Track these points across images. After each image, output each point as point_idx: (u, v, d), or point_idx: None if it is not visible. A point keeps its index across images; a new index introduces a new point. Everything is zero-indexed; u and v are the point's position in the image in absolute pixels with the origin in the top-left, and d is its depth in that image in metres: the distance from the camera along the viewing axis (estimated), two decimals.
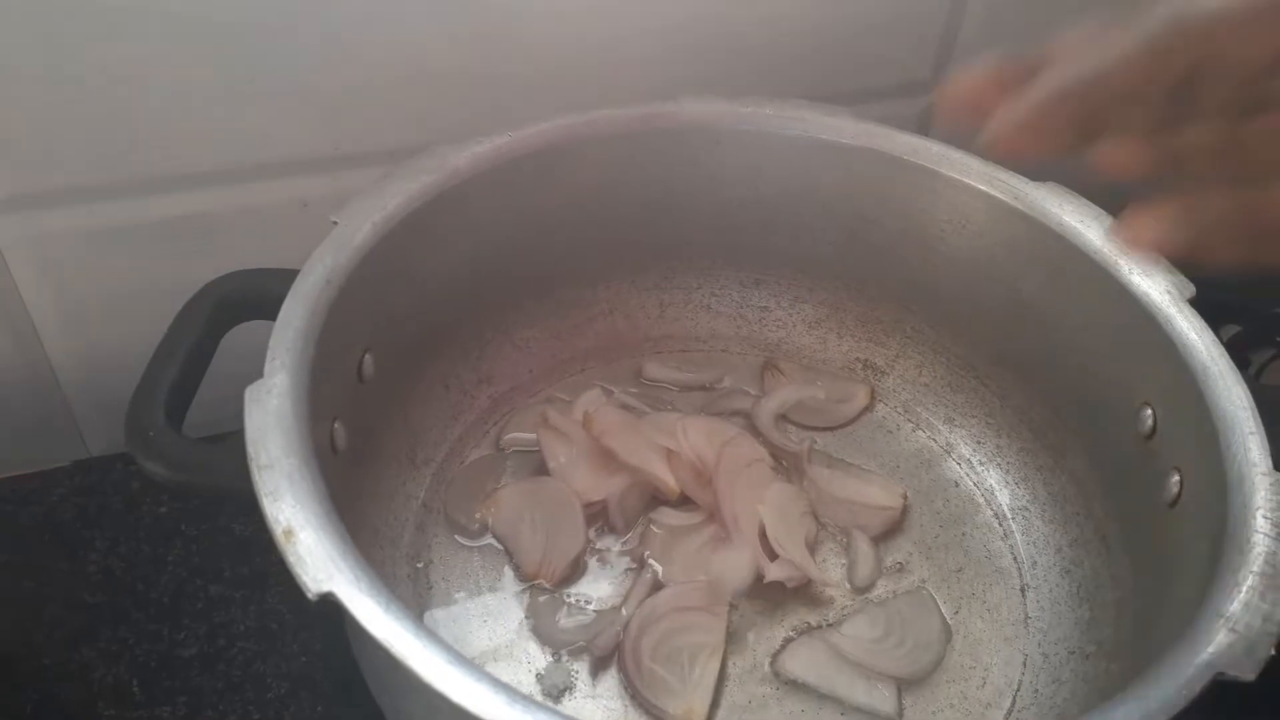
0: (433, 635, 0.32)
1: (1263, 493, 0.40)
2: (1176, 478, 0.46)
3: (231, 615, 0.54)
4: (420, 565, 0.52)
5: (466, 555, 0.53)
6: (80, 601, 0.54)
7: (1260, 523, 0.39)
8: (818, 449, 0.59)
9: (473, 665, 0.32)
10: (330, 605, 0.34)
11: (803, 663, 0.50)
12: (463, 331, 0.57)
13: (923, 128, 0.70)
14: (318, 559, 0.34)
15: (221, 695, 0.51)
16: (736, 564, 0.51)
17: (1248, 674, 0.34)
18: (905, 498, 0.57)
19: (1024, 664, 0.51)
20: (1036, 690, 0.50)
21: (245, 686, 0.52)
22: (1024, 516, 0.56)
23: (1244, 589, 0.37)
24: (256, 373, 0.40)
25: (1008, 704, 0.49)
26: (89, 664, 0.52)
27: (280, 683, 0.52)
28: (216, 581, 0.56)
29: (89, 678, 0.52)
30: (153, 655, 0.53)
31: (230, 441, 0.39)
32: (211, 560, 0.57)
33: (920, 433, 0.61)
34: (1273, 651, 0.35)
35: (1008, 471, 0.58)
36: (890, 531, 0.56)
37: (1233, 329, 0.71)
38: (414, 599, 0.50)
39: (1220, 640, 0.35)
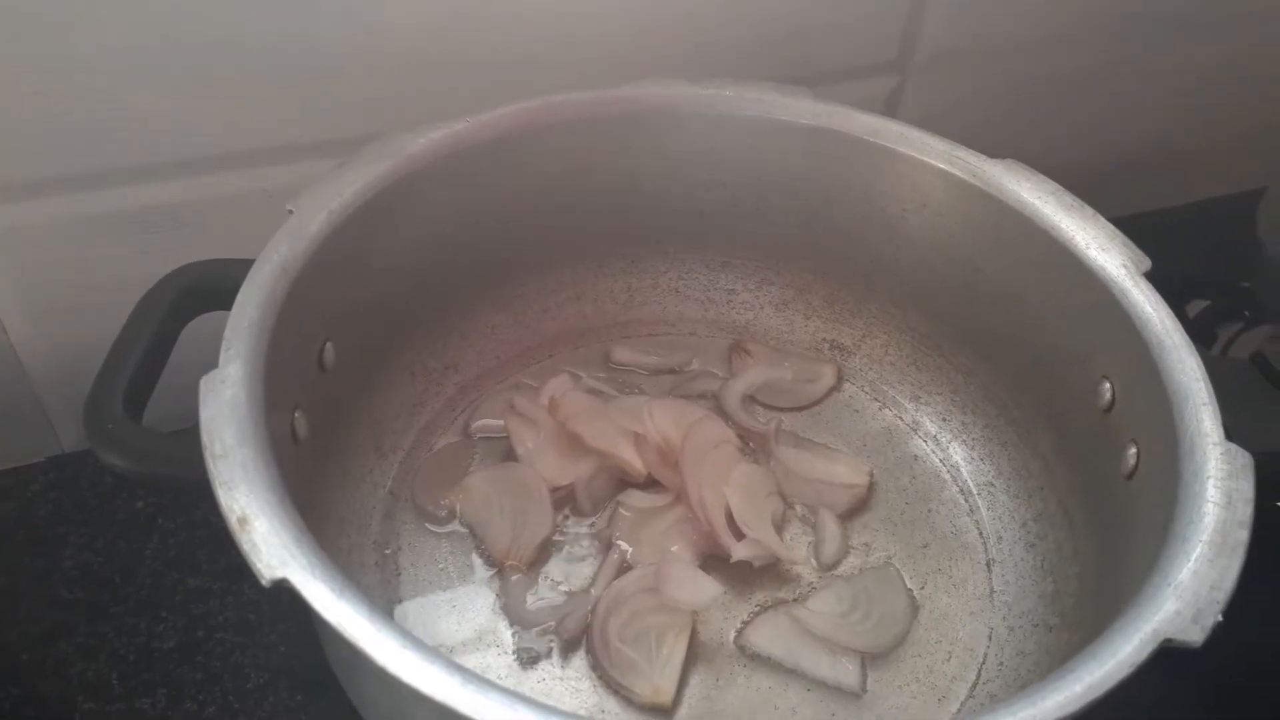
0: (387, 619, 0.33)
1: (1214, 462, 0.40)
2: (1134, 450, 0.46)
3: (209, 607, 0.54)
4: (388, 552, 0.52)
5: (435, 542, 0.53)
6: (57, 597, 0.55)
7: (1211, 492, 0.39)
8: (785, 429, 0.59)
9: (428, 647, 0.32)
10: (286, 591, 0.34)
11: (767, 637, 0.50)
12: (427, 319, 0.57)
13: (890, 109, 0.70)
14: (272, 546, 0.34)
15: (201, 686, 0.52)
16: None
17: (1195, 639, 0.35)
18: (871, 475, 0.57)
19: (989, 637, 0.51)
20: (1002, 663, 0.50)
21: (224, 677, 0.52)
22: (989, 492, 0.57)
23: (1193, 558, 0.37)
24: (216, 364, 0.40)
25: (973, 676, 0.50)
26: (67, 659, 0.52)
27: (259, 673, 0.52)
28: (194, 574, 0.56)
29: (67, 673, 0.52)
30: (131, 648, 0.53)
31: (191, 432, 0.39)
32: (189, 553, 0.57)
33: (887, 411, 0.61)
34: (1220, 618, 0.35)
35: (973, 448, 0.59)
36: (857, 509, 0.56)
37: (1201, 304, 0.71)
38: (381, 586, 0.51)
39: (1168, 608, 0.35)
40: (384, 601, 0.50)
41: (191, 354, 0.46)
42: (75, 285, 0.57)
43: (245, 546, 0.34)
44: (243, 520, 0.35)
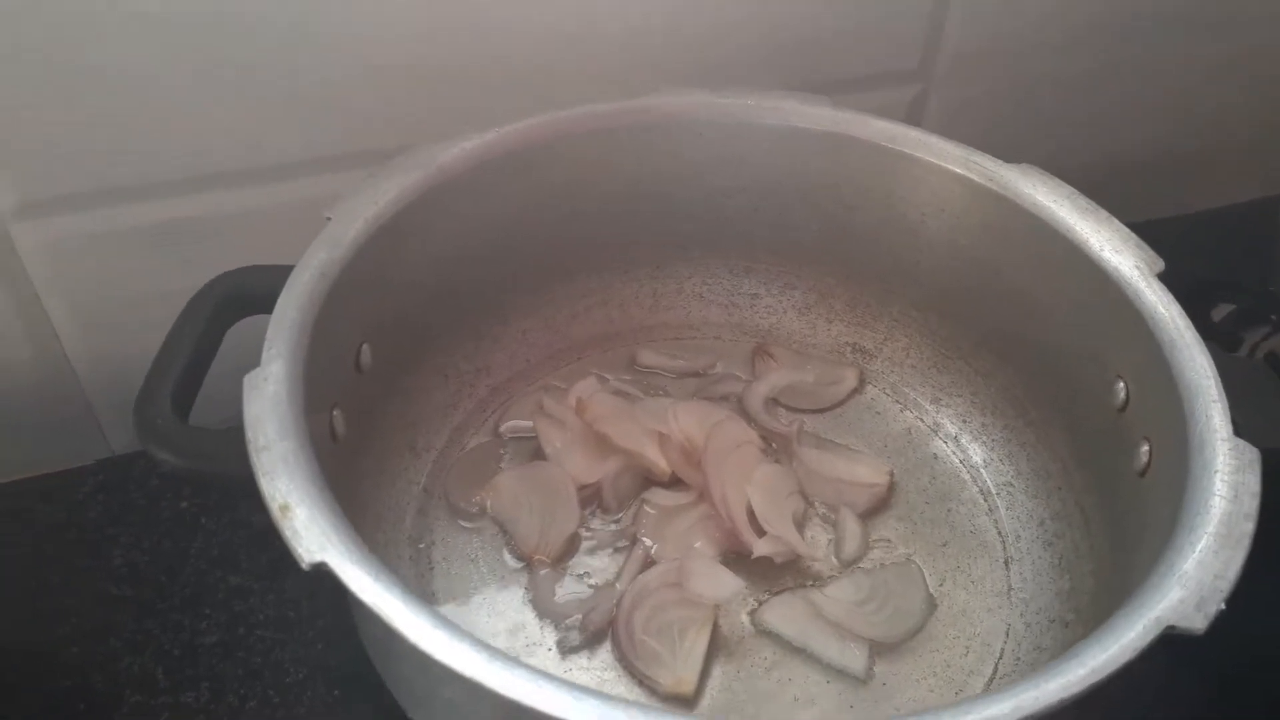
0: (420, 601, 0.34)
1: (1222, 457, 0.41)
2: (1146, 447, 0.47)
3: (250, 605, 0.56)
4: (422, 546, 0.54)
5: (466, 538, 0.55)
6: (106, 594, 0.56)
7: (1218, 486, 0.40)
8: (807, 430, 0.60)
9: (458, 628, 0.34)
10: (325, 576, 0.36)
11: (781, 616, 0.51)
12: (459, 323, 0.58)
13: (913, 116, 0.71)
14: (311, 532, 0.36)
15: (242, 681, 0.53)
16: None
17: (1198, 626, 0.36)
18: (891, 475, 0.58)
19: (1006, 633, 0.52)
20: (1018, 658, 0.51)
21: (264, 673, 0.53)
22: (1008, 492, 0.58)
23: (1198, 548, 0.38)
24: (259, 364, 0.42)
25: (990, 671, 0.51)
26: (115, 654, 0.54)
27: (298, 668, 0.53)
28: (236, 572, 0.57)
29: (116, 667, 0.53)
30: (176, 644, 0.54)
31: (235, 430, 0.40)
32: (231, 552, 0.58)
33: (908, 413, 0.62)
34: (1222, 606, 0.36)
35: (992, 449, 0.59)
36: (877, 508, 0.57)
37: (1226, 308, 0.72)
38: (416, 578, 0.52)
39: (1172, 596, 0.36)
40: (418, 593, 0.51)
41: (230, 359, 0.48)
42: (122, 295, 0.58)
43: (287, 533, 0.36)
44: (284, 508, 0.36)
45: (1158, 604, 0.36)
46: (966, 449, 0.60)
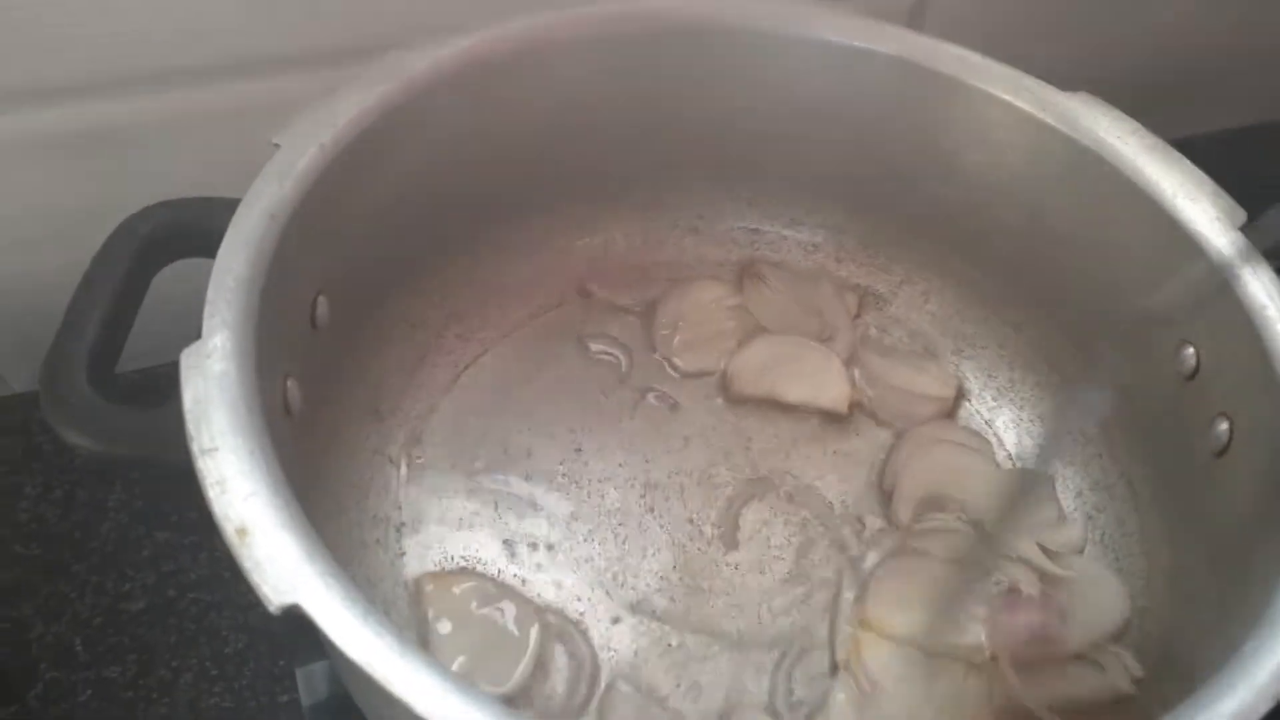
0: (419, 655, 0.28)
1: None
2: (1225, 425, 0.42)
3: (181, 564, 0.52)
4: (392, 526, 0.48)
5: (443, 509, 0.49)
6: (12, 554, 0.52)
7: None
8: (871, 335, 0.57)
9: (471, 689, 0.27)
10: (296, 619, 0.29)
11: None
12: (426, 263, 0.51)
13: (914, 21, 0.64)
14: (279, 564, 0.29)
15: (174, 651, 0.49)
16: None
17: None
18: (960, 388, 0.55)
19: None
20: None
21: (200, 641, 0.50)
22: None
23: None
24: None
25: None
26: (26, 622, 0.50)
27: (238, 636, 0.50)
28: (163, 527, 0.53)
29: (26, 638, 0.49)
30: (96, 610, 0.50)
31: (169, 404, 0.34)
32: (156, 504, 0.54)
33: None
34: None
35: (1021, 408, 0.55)
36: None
37: None
38: (388, 567, 0.46)
39: None
40: (390, 584, 0.46)
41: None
42: (16, 218, 0.53)
43: (246, 564, 0.29)
44: (242, 532, 0.29)
45: None
46: (991, 408, 0.56)
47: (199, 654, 0.49)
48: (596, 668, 0.45)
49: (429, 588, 0.46)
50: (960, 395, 0.55)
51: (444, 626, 0.44)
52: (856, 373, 0.55)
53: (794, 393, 0.54)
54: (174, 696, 0.48)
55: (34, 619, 0.49)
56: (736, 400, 0.54)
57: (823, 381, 0.54)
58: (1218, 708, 0.30)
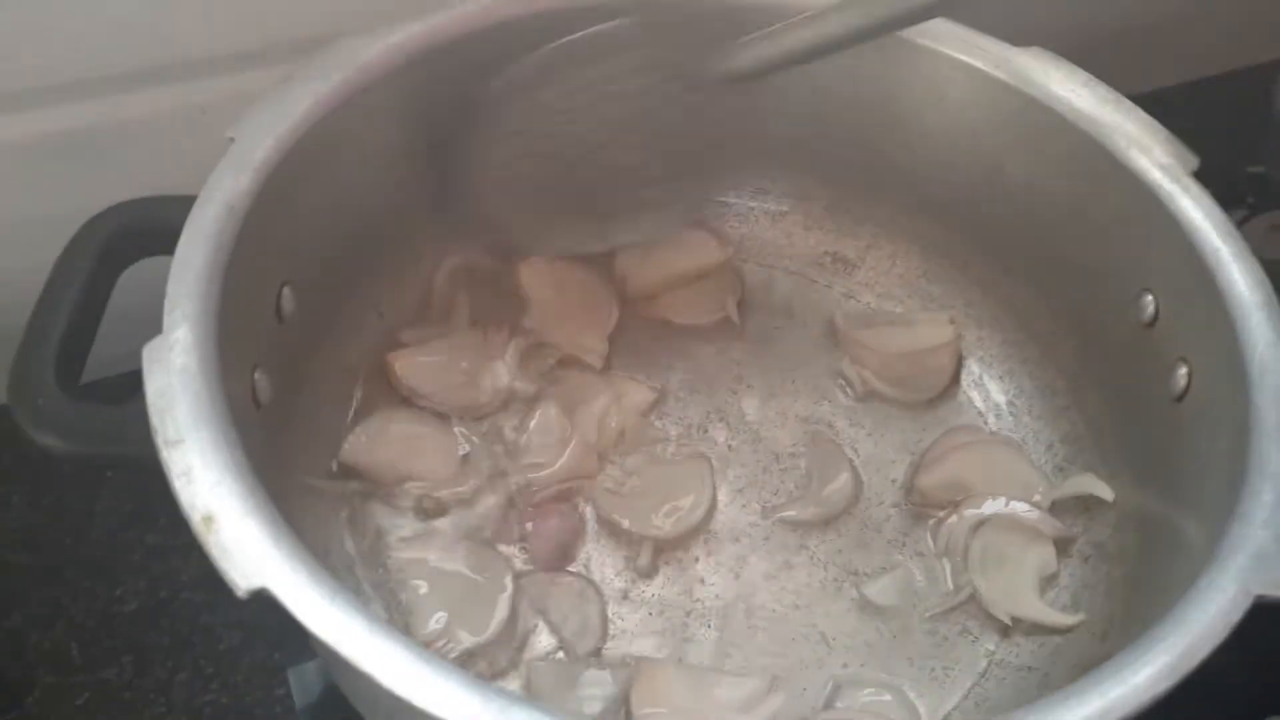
0: (387, 629, 0.28)
1: None
2: (1184, 369, 0.43)
3: (172, 565, 0.52)
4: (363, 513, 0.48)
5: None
6: (4, 563, 0.52)
7: None
8: (849, 312, 0.57)
9: (436, 660, 0.28)
10: (265, 601, 0.29)
11: None
12: (393, 248, 0.51)
13: None
14: (245, 549, 0.29)
15: (169, 652, 0.49)
16: None
17: None
18: (954, 322, 0.55)
19: None
20: None
21: (194, 640, 0.50)
22: (1010, 412, 0.54)
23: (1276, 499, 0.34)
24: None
25: None
26: (21, 630, 0.50)
27: (231, 633, 0.50)
28: (152, 530, 0.53)
29: (22, 644, 0.49)
30: (90, 615, 0.50)
31: (138, 404, 0.34)
32: (145, 506, 0.53)
33: None
34: None
35: (989, 365, 0.55)
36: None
37: None
38: (358, 553, 0.46)
39: (1258, 559, 0.32)
40: (365, 569, 0.46)
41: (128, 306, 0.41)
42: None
43: (213, 551, 0.30)
44: (208, 520, 0.30)
45: (1243, 570, 0.32)
46: (961, 364, 0.55)
47: (193, 653, 0.49)
48: None
49: (404, 554, 0.46)
50: (959, 332, 0.55)
51: (421, 587, 0.45)
52: (847, 360, 0.55)
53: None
54: (170, 696, 0.48)
55: (29, 627, 0.49)
56: None
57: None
58: (1169, 643, 0.30)
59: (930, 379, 0.54)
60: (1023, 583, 0.46)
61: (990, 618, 0.46)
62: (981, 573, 0.47)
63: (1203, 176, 0.63)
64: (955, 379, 0.55)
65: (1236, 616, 0.31)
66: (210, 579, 0.48)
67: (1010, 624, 0.46)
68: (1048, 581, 0.47)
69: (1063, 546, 0.48)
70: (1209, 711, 0.36)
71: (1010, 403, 0.54)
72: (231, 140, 0.41)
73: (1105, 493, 0.47)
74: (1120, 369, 0.48)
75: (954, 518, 0.48)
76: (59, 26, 0.48)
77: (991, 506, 0.48)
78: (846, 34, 0.43)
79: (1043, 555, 0.47)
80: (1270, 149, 0.66)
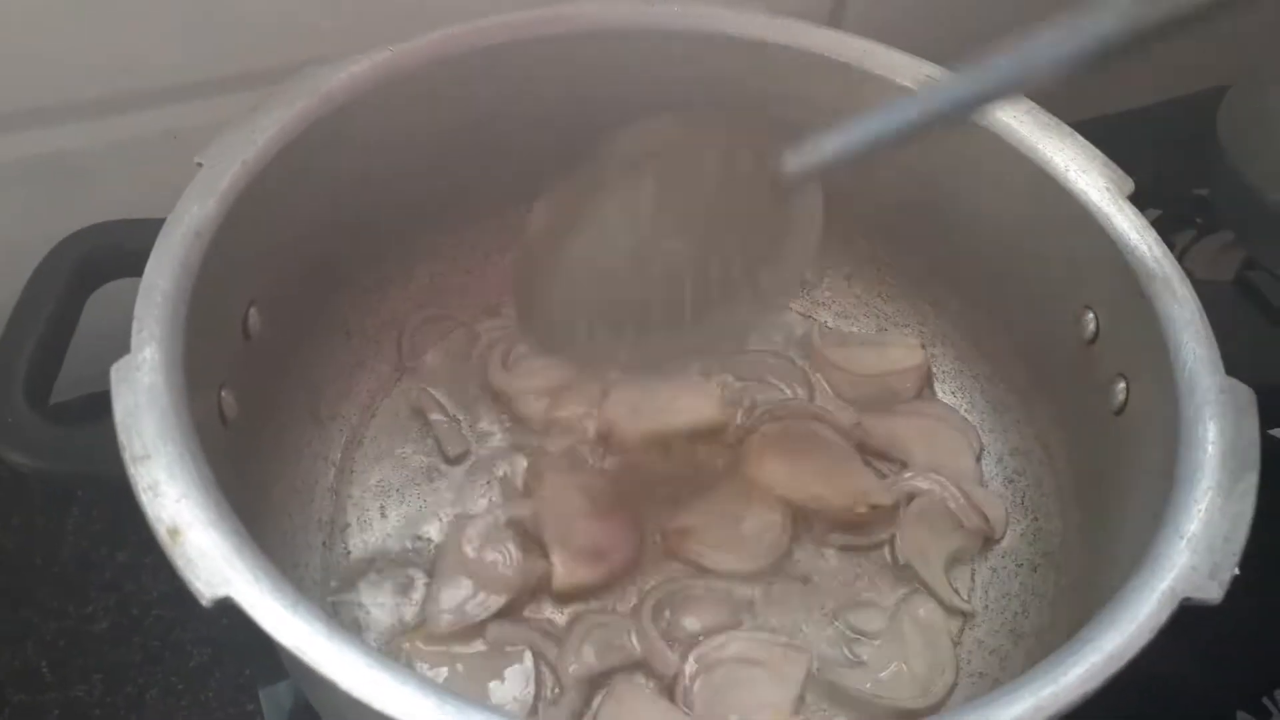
0: (347, 635, 0.29)
1: (1214, 400, 0.38)
2: (1122, 384, 0.44)
3: (142, 583, 0.52)
4: (336, 529, 0.49)
5: (386, 506, 0.50)
6: None
7: (1213, 434, 0.37)
8: (827, 328, 0.58)
9: (395, 666, 0.29)
10: (231, 613, 0.30)
11: None
12: (358, 271, 0.52)
13: (834, 19, 0.66)
14: (210, 560, 0.30)
15: (140, 668, 0.49)
16: None
17: (1213, 596, 0.33)
18: (924, 346, 0.56)
19: (971, 576, 0.50)
20: (986, 605, 0.49)
21: (164, 657, 0.50)
22: None
23: (1203, 506, 0.35)
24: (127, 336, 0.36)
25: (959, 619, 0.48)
26: None
27: (201, 649, 0.50)
28: (122, 547, 0.53)
29: None
30: (60, 633, 0.50)
31: (107, 423, 0.35)
32: (114, 525, 0.53)
33: None
34: (1236, 571, 0.34)
35: (944, 381, 0.57)
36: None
37: (1154, 213, 0.69)
38: (333, 568, 0.47)
39: (1183, 563, 0.34)
40: (340, 583, 0.47)
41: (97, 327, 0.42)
42: None
43: (179, 562, 0.30)
44: (174, 532, 0.31)
45: (1168, 573, 0.33)
46: None
47: (164, 669, 0.49)
48: None
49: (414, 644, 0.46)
50: (927, 354, 0.56)
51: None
52: (818, 377, 0.56)
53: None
54: (141, 713, 0.48)
55: None
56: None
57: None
58: (1098, 644, 0.31)
59: (893, 400, 0.55)
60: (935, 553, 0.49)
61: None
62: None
63: (1151, 200, 0.65)
64: (918, 397, 0.56)
65: (1164, 618, 0.32)
66: (180, 596, 0.48)
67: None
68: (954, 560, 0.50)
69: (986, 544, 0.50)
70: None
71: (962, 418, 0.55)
72: (200, 165, 0.41)
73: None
74: (1066, 385, 0.49)
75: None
76: (31, 53, 0.48)
77: (925, 483, 0.51)
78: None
79: (964, 539, 0.50)
80: (1215, 173, 0.69)
